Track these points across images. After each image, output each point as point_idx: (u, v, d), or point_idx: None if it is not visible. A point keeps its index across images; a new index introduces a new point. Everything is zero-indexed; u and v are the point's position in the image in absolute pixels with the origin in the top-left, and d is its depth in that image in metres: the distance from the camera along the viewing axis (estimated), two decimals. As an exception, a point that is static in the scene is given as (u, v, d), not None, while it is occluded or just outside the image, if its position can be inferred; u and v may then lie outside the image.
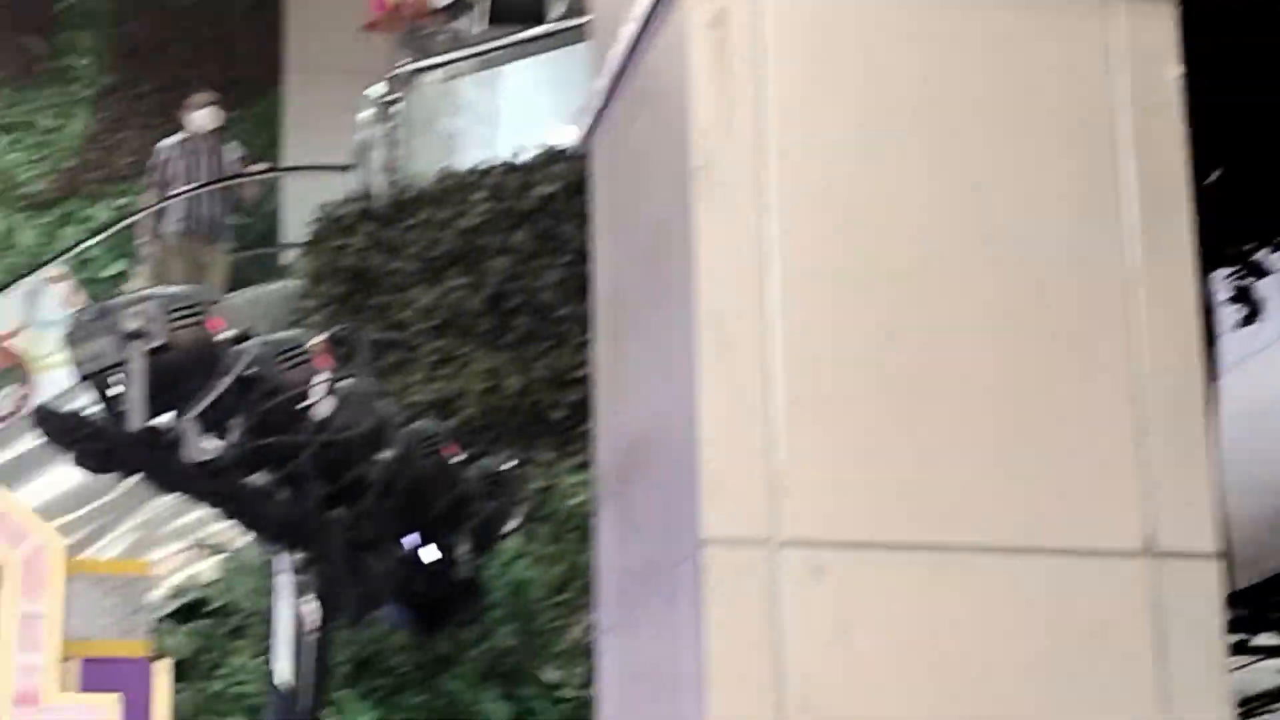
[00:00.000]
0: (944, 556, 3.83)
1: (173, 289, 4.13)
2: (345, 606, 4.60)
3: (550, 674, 6.67)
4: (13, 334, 12.98)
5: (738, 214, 3.93)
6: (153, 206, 13.66)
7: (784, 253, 3.91)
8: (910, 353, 3.91)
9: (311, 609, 4.47)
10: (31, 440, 10.23)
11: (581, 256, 8.41)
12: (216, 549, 8.19)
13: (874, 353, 3.90)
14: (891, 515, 3.83)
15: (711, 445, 3.78)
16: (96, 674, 5.42)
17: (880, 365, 3.90)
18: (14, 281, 13.71)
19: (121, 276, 14.31)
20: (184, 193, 13.45)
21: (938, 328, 3.94)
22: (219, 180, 13.57)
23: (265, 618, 5.01)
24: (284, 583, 4.52)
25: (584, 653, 6.45)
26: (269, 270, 14.02)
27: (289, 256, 13.82)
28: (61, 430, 4.07)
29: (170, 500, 9.22)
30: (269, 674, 4.58)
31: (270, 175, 14.62)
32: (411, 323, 10.31)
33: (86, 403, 4.10)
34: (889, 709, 3.77)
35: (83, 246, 14.35)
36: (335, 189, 11.66)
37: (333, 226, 10.96)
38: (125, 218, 14.57)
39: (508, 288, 10.16)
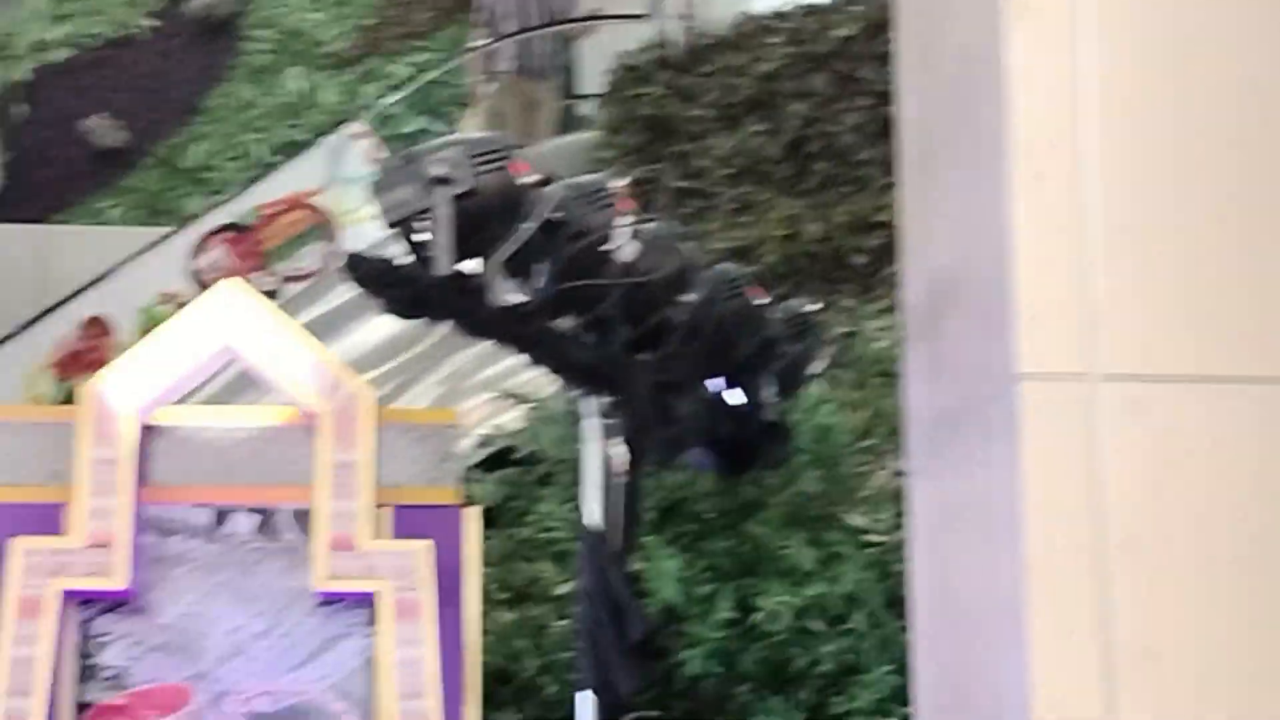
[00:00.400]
0: (1270, 389, 3.70)
1: (477, 134, 4.14)
2: (652, 450, 4.61)
3: (856, 518, 6.61)
4: (318, 191, 13.19)
5: (1051, 41, 3.80)
6: (485, 44, 13.67)
7: (1099, 80, 3.78)
8: (1234, 180, 3.77)
9: (619, 453, 4.48)
10: (341, 295, 10.46)
11: (881, 99, 8.30)
12: (523, 398, 8.26)
13: (1195, 181, 3.76)
14: (1214, 347, 3.71)
15: (1027, 278, 3.69)
16: (408, 520, 5.50)
17: (1201, 193, 3.76)
18: (317, 139, 13.91)
19: (422, 133, 14.44)
20: (518, 33, 13.41)
21: (1264, 155, 3.79)
22: (551, 23, 13.48)
23: (572, 465, 5.04)
24: (591, 428, 4.54)
25: (889, 497, 6.40)
26: (567, 122, 14.04)
27: (586, 107, 13.83)
28: (370, 276, 4.11)
29: (477, 351, 9.37)
30: (578, 519, 4.61)
31: (592, 22, 14.55)
32: (710, 171, 10.28)
33: (395, 252, 4.13)
34: (1212, 547, 3.67)
35: (385, 102, 14.49)
36: (630, 39, 11.63)
37: (629, 76, 10.96)
38: (423, 73, 14.67)
39: (806, 133, 10.08)
